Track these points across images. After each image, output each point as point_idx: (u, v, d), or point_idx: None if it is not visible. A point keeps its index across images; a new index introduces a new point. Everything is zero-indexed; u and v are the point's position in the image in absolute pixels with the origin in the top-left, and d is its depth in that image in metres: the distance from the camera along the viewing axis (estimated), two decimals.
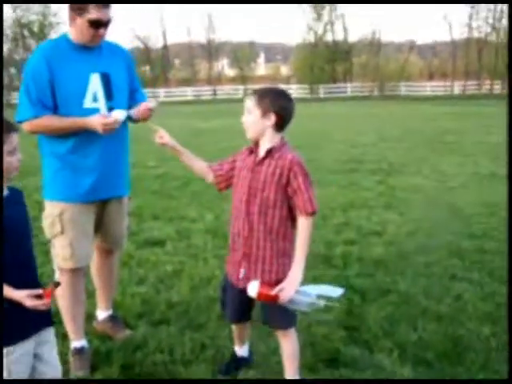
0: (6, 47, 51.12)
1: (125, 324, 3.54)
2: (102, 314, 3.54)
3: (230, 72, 64.99)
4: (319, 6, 50.95)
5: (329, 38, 52.79)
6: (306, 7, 51.61)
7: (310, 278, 4.38)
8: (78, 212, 3.06)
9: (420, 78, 57.30)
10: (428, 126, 17.87)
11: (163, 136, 2.87)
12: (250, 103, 2.66)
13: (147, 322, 3.58)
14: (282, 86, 50.90)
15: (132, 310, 3.74)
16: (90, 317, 3.54)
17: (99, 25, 2.93)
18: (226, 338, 3.32)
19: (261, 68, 76.79)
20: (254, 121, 2.65)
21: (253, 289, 2.57)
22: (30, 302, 2.03)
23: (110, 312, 3.55)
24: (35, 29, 49.14)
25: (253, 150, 2.73)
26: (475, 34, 51.21)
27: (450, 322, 3.57)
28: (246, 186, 2.67)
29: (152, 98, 3.25)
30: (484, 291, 4.08)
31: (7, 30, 49.53)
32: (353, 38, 54.89)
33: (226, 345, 3.26)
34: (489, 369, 3.01)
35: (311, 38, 52.65)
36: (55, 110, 2.97)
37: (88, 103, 3.02)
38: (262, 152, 2.68)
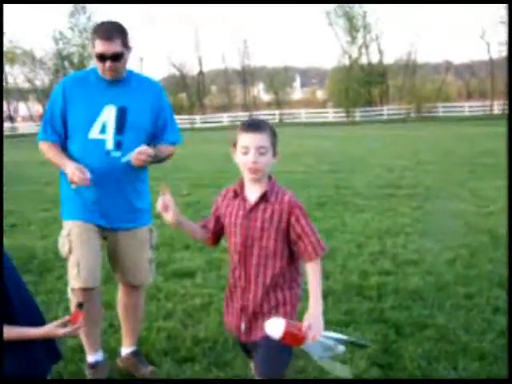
0: (47, 78, 52.64)
1: (148, 361, 3.42)
2: (125, 350, 3.44)
3: (266, 97, 65.36)
4: (353, 28, 51.04)
5: (364, 60, 52.77)
6: (340, 30, 51.78)
7: (342, 310, 4.24)
8: (85, 230, 3.05)
9: (458, 98, 56.65)
10: (466, 147, 17.52)
11: (168, 206, 2.48)
12: (264, 141, 2.35)
13: (172, 358, 3.45)
14: (319, 110, 51.11)
15: (157, 345, 3.62)
16: (114, 353, 3.47)
17: (104, 58, 2.93)
18: (253, 377, 3.17)
19: (297, 92, 77.05)
20: (269, 162, 2.37)
21: (277, 329, 2.27)
22: (62, 331, 2.05)
23: (133, 348, 3.43)
24: (75, 60, 50.52)
25: (237, 192, 2.47)
26: None
27: (493, 361, 3.34)
28: (240, 236, 2.42)
29: (148, 146, 3.06)
30: None
31: (49, 63, 51.04)
32: (388, 59, 54.68)
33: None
34: None
35: (346, 61, 52.73)
36: (66, 138, 3.08)
37: (94, 134, 3.01)
38: (252, 195, 2.43)
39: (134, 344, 3.44)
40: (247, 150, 2.33)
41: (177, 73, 56.77)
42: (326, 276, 4.89)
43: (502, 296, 4.42)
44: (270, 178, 2.44)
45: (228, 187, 2.56)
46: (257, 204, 2.40)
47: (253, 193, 2.42)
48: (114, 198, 3.09)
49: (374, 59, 52.96)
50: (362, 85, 50.85)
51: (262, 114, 51.73)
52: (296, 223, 2.36)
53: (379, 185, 10.36)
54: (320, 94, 71.85)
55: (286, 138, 26.86)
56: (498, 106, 48.36)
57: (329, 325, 3.79)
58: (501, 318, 3.97)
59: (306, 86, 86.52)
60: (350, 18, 50.86)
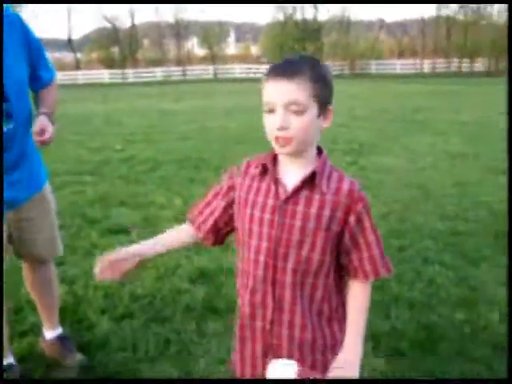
0: None
1: (86, 320, 3.37)
2: (48, 333, 3.04)
3: (200, 52, 64.24)
4: None
5: (298, 16, 52.49)
6: None
7: None
8: None
9: (390, 56, 57.42)
10: (398, 104, 17.83)
11: (110, 261, 1.77)
12: (300, 92, 1.48)
13: (110, 317, 3.40)
14: (254, 66, 50.79)
15: (94, 304, 3.56)
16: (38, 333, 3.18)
17: None
18: (193, 332, 3.19)
19: (231, 47, 76.11)
20: (309, 126, 1.52)
21: (284, 375, 1.54)
22: None
23: (58, 332, 3.05)
24: None
25: (267, 168, 1.62)
26: (444, 12, 51.52)
27: (422, 309, 3.48)
28: (268, 239, 1.59)
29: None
30: (457, 274, 4.01)
31: None
32: (322, 16, 54.68)
33: (192, 339, 3.12)
34: (464, 356, 2.92)
35: (281, 17, 52.33)
36: None
37: None
38: (291, 177, 1.59)
39: (57, 325, 3.08)
40: (272, 106, 1.51)
41: (108, 25, 54.83)
42: None
43: (431, 247, 4.59)
44: (319, 151, 1.64)
45: (250, 159, 1.72)
46: (297, 191, 1.57)
47: (291, 173, 1.60)
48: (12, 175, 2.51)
49: (309, 16, 52.77)
50: (296, 41, 50.64)
51: (196, 69, 51.03)
52: (356, 226, 1.59)
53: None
54: (254, 50, 71.24)
55: (221, 93, 26.66)
56: (428, 65, 49.43)
57: None
58: (429, 268, 4.13)
59: (240, 41, 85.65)
60: None
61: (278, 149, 1.55)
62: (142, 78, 46.85)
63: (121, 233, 5.06)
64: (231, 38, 79.27)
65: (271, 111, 1.51)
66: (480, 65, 48.40)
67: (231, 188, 1.72)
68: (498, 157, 8.56)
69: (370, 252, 1.62)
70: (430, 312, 3.44)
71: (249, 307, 1.67)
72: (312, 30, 51.63)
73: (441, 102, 18.60)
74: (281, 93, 1.49)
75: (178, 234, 1.87)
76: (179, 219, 5.41)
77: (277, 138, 1.52)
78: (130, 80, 46.25)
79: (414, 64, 49.96)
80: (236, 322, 1.75)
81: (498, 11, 49.12)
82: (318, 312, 1.65)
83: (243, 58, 61.31)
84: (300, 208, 1.56)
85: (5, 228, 2.57)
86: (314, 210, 1.56)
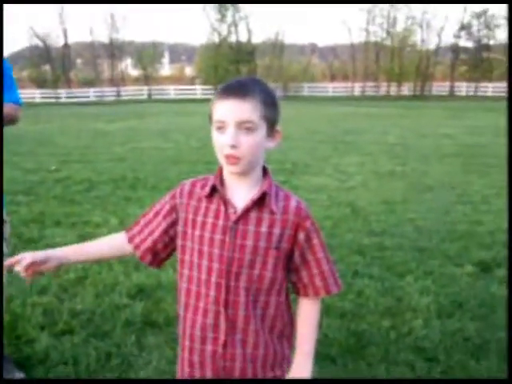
0: None
1: (25, 336, 3.39)
2: None
3: (134, 72, 63.93)
4: (223, 6, 51.22)
5: (233, 39, 53.18)
6: (210, 8, 51.80)
7: None
8: None
9: (322, 79, 58.98)
10: (330, 125, 18.38)
11: (25, 259, 1.66)
12: (252, 111, 1.50)
13: (49, 333, 3.43)
14: (188, 87, 50.92)
15: (33, 320, 3.58)
16: None
17: None
18: (133, 345, 3.27)
19: (165, 68, 76.10)
20: (259, 145, 1.54)
21: None
22: None
23: None
24: None
25: (216, 189, 1.61)
26: (372, 38, 53.52)
27: (352, 318, 3.69)
28: (219, 260, 1.58)
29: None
30: (384, 286, 4.25)
31: None
32: (257, 39, 55.57)
33: (133, 352, 3.21)
34: (389, 360, 3.13)
35: (215, 39, 52.85)
36: None
37: None
38: (240, 197, 1.60)
39: None
40: (223, 125, 1.51)
41: (40, 44, 53.77)
42: None
43: (360, 261, 4.83)
44: (265, 171, 1.64)
45: (195, 178, 1.72)
46: (247, 211, 1.57)
47: (239, 193, 1.60)
48: None
49: (243, 38, 53.55)
50: (230, 63, 51.26)
51: (131, 90, 50.71)
52: (305, 243, 1.61)
53: None
54: (189, 71, 71.52)
55: (156, 114, 26.64)
56: (359, 88, 51.10)
57: None
58: (358, 281, 4.36)
59: (174, 62, 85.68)
60: None
61: (227, 167, 1.56)
62: (75, 98, 46.18)
63: None
64: (165, 59, 79.25)
65: (221, 129, 1.52)
66: (406, 88, 50.43)
67: (173, 209, 1.68)
68: (421, 175, 9.04)
69: (319, 268, 1.63)
70: (359, 320, 3.65)
71: (200, 330, 1.63)
72: (246, 52, 52.43)
73: (370, 123, 19.29)
74: (233, 111, 1.49)
75: (111, 243, 1.81)
76: None
77: (227, 156, 1.52)
78: (63, 100, 45.47)
79: (345, 87, 51.52)
80: (181, 344, 1.70)
81: (421, 39, 51.50)
82: (269, 329, 1.65)
83: (177, 79, 61.51)
84: (251, 227, 1.56)
85: None
86: (264, 229, 1.56)
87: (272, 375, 1.67)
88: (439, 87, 50.88)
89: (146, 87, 50.96)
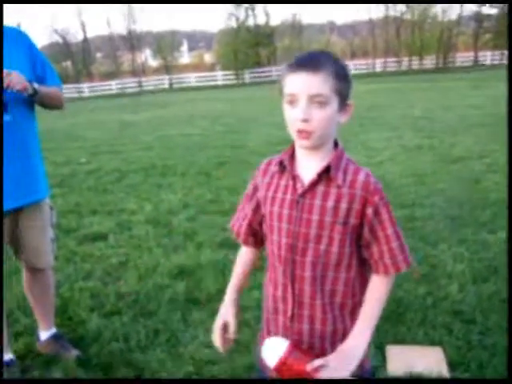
0: None
1: (76, 318, 3.55)
2: (43, 334, 3.20)
3: (154, 63, 64.13)
4: None
5: (250, 22, 52.96)
6: None
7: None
8: None
9: (343, 56, 58.38)
10: (355, 102, 18.27)
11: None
12: (323, 85, 1.48)
13: (99, 314, 3.59)
14: (209, 74, 50.96)
15: (82, 303, 3.74)
16: (32, 334, 3.32)
17: None
18: (179, 322, 3.41)
19: (185, 57, 76.20)
20: (331, 119, 1.52)
21: (273, 354, 1.58)
22: None
23: (52, 331, 3.21)
24: None
25: (285, 165, 1.63)
26: (391, 13, 52.80)
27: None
28: (287, 234, 1.60)
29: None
30: (418, 255, 4.32)
31: None
32: (274, 21, 55.30)
33: (179, 328, 3.35)
34: (427, 324, 3.22)
35: (233, 24, 52.71)
36: None
37: None
38: (308, 172, 1.59)
39: (51, 326, 3.23)
40: (294, 98, 1.50)
41: (60, 40, 54.26)
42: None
43: None
44: (336, 145, 1.63)
45: (271, 157, 1.74)
46: (314, 185, 1.57)
47: (308, 168, 1.59)
48: (10, 171, 2.66)
49: (261, 21, 53.30)
50: (249, 46, 51.10)
51: (152, 80, 50.95)
52: (374, 218, 1.57)
53: (273, 142, 10.72)
54: (208, 58, 71.52)
55: (179, 102, 26.80)
56: (380, 64, 50.57)
57: None
58: None
59: (193, 49, 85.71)
60: None
61: (298, 142, 1.56)
62: (98, 91, 46.60)
63: (98, 239, 5.23)
64: (184, 47, 79.30)
65: (293, 103, 1.50)
66: (429, 62, 49.71)
67: (256, 188, 1.74)
68: (449, 147, 9.02)
69: (389, 245, 1.59)
70: (396, 288, 3.71)
71: (272, 302, 1.71)
72: (265, 35, 52.20)
73: (394, 98, 19.17)
74: (305, 85, 1.47)
75: (244, 259, 1.88)
76: (151, 222, 5.66)
77: (299, 131, 1.51)
78: (86, 94, 45.93)
79: (366, 64, 50.97)
80: (262, 316, 1.80)
81: (442, 10, 50.56)
82: (340, 306, 1.64)
83: (197, 67, 61.55)
84: (317, 202, 1.56)
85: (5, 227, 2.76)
86: (330, 204, 1.54)
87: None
88: (463, 58, 50.05)
89: (166, 76, 51.11)
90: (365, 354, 1.61)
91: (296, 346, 1.59)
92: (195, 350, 3.08)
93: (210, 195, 6.72)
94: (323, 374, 1.50)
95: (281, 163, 1.63)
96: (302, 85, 1.48)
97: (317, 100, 1.47)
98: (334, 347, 1.61)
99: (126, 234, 5.37)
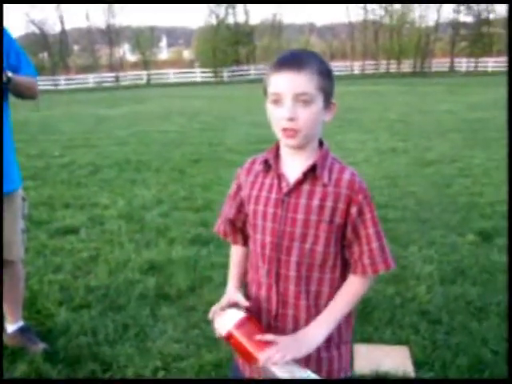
0: None
1: (45, 311, 3.52)
2: (10, 327, 3.16)
3: (132, 58, 63.71)
4: None
5: (230, 20, 52.91)
6: None
7: (223, 254, 4.51)
8: None
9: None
10: None
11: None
12: (308, 83, 1.48)
13: (68, 307, 3.57)
14: (187, 70, 50.77)
15: (51, 297, 3.71)
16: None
17: None
18: (148, 317, 3.41)
19: (163, 52, 75.83)
20: (316, 118, 1.53)
21: (224, 323, 1.57)
22: None
23: (20, 324, 3.18)
24: None
25: (270, 164, 1.63)
26: (370, 17, 53.24)
27: None
28: (271, 233, 1.60)
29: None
30: None
31: None
32: (255, 20, 55.35)
33: (148, 323, 3.34)
34: (394, 324, 3.27)
35: (213, 21, 52.60)
36: None
37: None
38: (293, 170, 1.60)
39: (18, 319, 3.19)
40: (279, 97, 1.50)
41: (37, 31, 53.56)
42: (206, 225, 5.19)
43: None
44: (321, 144, 1.63)
45: (255, 156, 1.74)
46: (299, 184, 1.57)
47: (293, 167, 1.60)
48: None
49: (241, 19, 53.30)
50: (229, 44, 51.07)
51: (130, 75, 50.61)
52: (358, 218, 1.56)
53: (251, 141, 10.73)
54: (187, 54, 71.29)
55: (156, 98, 26.67)
56: (358, 67, 50.94)
57: (214, 268, 4.13)
58: None
59: (172, 45, 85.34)
60: None
61: (284, 141, 1.55)
62: (74, 84, 46.12)
63: (69, 233, 5.18)
64: (163, 43, 78.92)
65: (277, 102, 1.50)
66: (406, 66, 50.26)
67: (239, 188, 1.72)
68: (424, 151, 9.14)
69: (369, 245, 1.56)
70: None
71: (255, 301, 1.68)
72: (244, 34, 52.24)
73: (371, 101, 19.33)
74: (290, 84, 1.47)
75: (237, 259, 1.84)
76: (124, 217, 5.63)
77: (284, 130, 1.51)
78: (62, 87, 45.42)
79: (344, 66, 51.30)
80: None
81: (420, 16, 51.19)
82: (325, 307, 1.60)
83: (176, 63, 61.29)
84: (302, 201, 1.55)
85: None
86: (316, 202, 1.54)
87: (326, 355, 1.63)
88: (439, 64, 50.70)
89: (145, 72, 50.81)
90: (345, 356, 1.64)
91: (250, 320, 1.56)
92: (163, 345, 3.08)
93: (183, 192, 6.71)
94: (269, 352, 1.46)
95: (265, 162, 1.63)
96: (286, 84, 1.48)
97: (302, 98, 1.47)
98: (317, 349, 1.57)
99: (98, 228, 5.34)
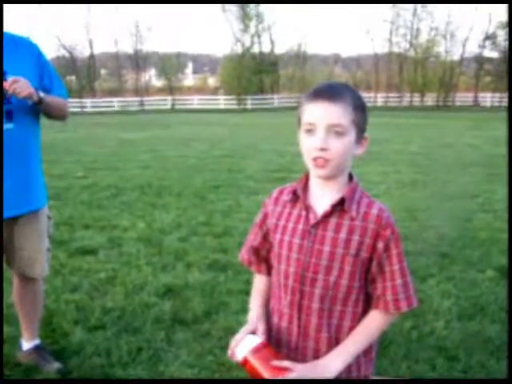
0: None
1: (60, 330, 3.54)
2: (26, 344, 3.17)
3: (158, 83, 64.58)
4: (246, 17, 51.57)
5: (256, 49, 53.48)
6: (233, 19, 52.21)
7: (243, 280, 4.52)
8: None
9: None
10: None
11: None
12: (342, 115, 1.49)
13: (83, 327, 3.58)
14: (211, 97, 51.27)
15: (67, 316, 3.73)
16: (14, 344, 3.28)
17: None
18: (162, 341, 3.40)
19: (189, 79, 76.73)
20: (348, 150, 1.53)
21: (243, 348, 1.57)
22: None
23: (35, 342, 3.18)
24: None
25: (298, 195, 1.63)
26: (395, 49, 53.49)
27: None
28: (296, 264, 1.59)
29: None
30: None
31: None
32: (279, 50, 55.87)
33: (162, 347, 3.34)
34: (410, 358, 3.22)
35: (238, 50, 53.21)
36: None
37: None
38: (321, 202, 1.59)
39: (35, 337, 3.19)
40: (313, 127, 1.51)
41: (67, 54, 54.66)
42: (224, 251, 5.20)
43: None
44: (350, 177, 1.63)
45: (283, 186, 1.75)
46: (327, 216, 1.57)
47: (322, 198, 1.59)
48: (9, 179, 2.68)
49: (266, 49, 53.85)
50: (253, 73, 51.53)
51: (154, 100, 51.25)
52: (384, 253, 1.55)
53: (272, 169, 10.76)
54: (212, 81, 72.04)
55: (180, 124, 26.93)
56: (381, 98, 51.07)
57: (231, 294, 4.12)
58: None
59: (197, 72, 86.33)
60: (243, 6, 51.30)
61: (314, 170, 1.55)
62: (100, 107, 46.80)
63: (88, 254, 5.22)
64: (189, 70, 79.94)
65: (310, 132, 1.51)
66: (430, 99, 50.25)
67: (266, 216, 1.73)
68: (444, 185, 9.08)
69: (393, 282, 1.56)
70: None
71: (276, 332, 1.68)
72: (269, 63, 52.70)
73: (393, 133, 19.32)
74: (324, 114, 1.48)
75: (259, 288, 1.81)
76: (143, 240, 5.66)
77: (315, 159, 1.51)
78: (88, 109, 46.13)
79: (368, 97, 51.43)
80: None
81: (445, 51, 51.32)
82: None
83: (201, 90, 61.98)
84: (329, 233, 1.55)
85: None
86: (343, 236, 1.54)
87: (355, 360, 1.62)
88: (463, 98, 50.60)
89: (169, 97, 51.43)
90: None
91: (267, 346, 1.57)
92: (176, 370, 3.08)
93: (202, 217, 6.73)
94: (285, 377, 1.47)
95: (294, 192, 1.64)
96: (321, 114, 1.49)
97: (335, 130, 1.48)
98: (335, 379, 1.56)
99: (117, 250, 5.37)
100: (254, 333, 1.63)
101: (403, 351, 3.30)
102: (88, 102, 47.81)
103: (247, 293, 4.13)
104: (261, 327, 1.66)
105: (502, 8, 45.02)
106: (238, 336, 1.63)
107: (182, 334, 3.51)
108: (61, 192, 8.32)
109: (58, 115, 2.93)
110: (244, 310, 3.58)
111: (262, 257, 1.77)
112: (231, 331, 3.31)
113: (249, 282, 4.40)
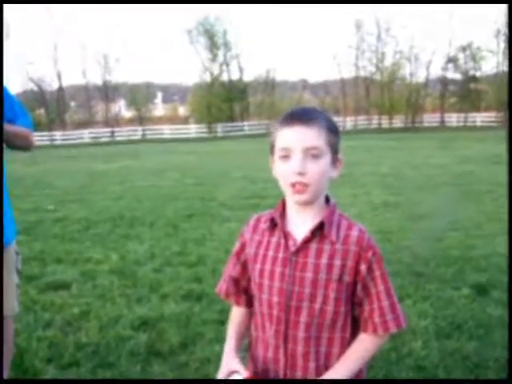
0: None
1: (32, 369, 3.44)
2: None
3: (128, 113, 64.48)
4: (214, 46, 52.04)
5: (225, 77, 53.85)
6: (201, 48, 52.66)
7: (217, 310, 4.47)
8: None
9: None
10: None
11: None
12: (317, 138, 1.49)
13: (56, 365, 3.48)
14: (182, 126, 51.32)
15: (39, 354, 3.63)
16: None
17: None
18: (138, 374, 3.33)
19: (159, 108, 76.79)
20: (325, 172, 1.52)
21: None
22: None
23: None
24: None
25: (276, 222, 1.60)
26: (362, 73, 54.45)
27: None
28: (279, 293, 1.56)
29: None
30: None
31: None
32: (248, 77, 56.31)
33: (139, 380, 3.27)
34: (390, 380, 3.20)
35: (207, 78, 53.51)
36: None
37: None
38: (300, 228, 1.57)
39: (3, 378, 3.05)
40: (288, 153, 1.49)
41: (35, 88, 54.33)
42: (199, 281, 5.15)
43: None
44: (327, 200, 1.61)
45: (260, 213, 1.73)
46: (306, 242, 1.54)
47: (300, 224, 1.57)
48: None
49: (235, 76, 54.27)
50: (223, 101, 51.82)
51: (125, 130, 51.10)
52: (367, 275, 1.53)
53: (244, 196, 10.77)
54: (182, 110, 72.17)
55: (151, 153, 26.86)
56: (350, 122, 51.77)
57: (206, 324, 4.07)
58: None
59: (167, 102, 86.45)
60: (211, 36, 51.80)
61: (292, 197, 1.52)
62: (70, 140, 46.46)
63: (60, 288, 5.12)
64: (158, 99, 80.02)
65: (286, 157, 1.49)
66: (398, 121, 51.12)
67: (244, 245, 1.68)
68: (416, 205, 9.18)
69: (379, 303, 1.54)
70: None
71: (262, 363, 1.62)
72: (238, 90, 53.08)
73: (363, 156, 19.52)
74: (300, 138, 1.47)
75: (237, 320, 1.76)
76: (116, 272, 5.58)
77: (293, 185, 1.49)
78: (58, 142, 45.76)
79: (337, 121, 51.77)
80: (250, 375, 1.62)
81: (410, 73, 52.45)
82: None
83: (171, 119, 62.06)
84: (311, 260, 1.52)
85: None
86: (324, 261, 1.51)
87: None
88: (430, 118, 51.58)
89: (140, 127, 51.37)
90: None
91: (254, 377, 1.56)
92: None
93: (176, 247, 6.67)
94: None
95: (271, 220, 1.61)
96: (297, 137, 1.48)
97: (312, 153, 1.47)
98: None
99: (90, 283, 5.28)
100: (232, 373, 1.59)
101: (383, 373, 3.29)
102: (58, 135, 47.47)
103: (222, 322, 4.11)
104: (237, 368, 1.60)
105: (462, 31, 46.31)
106: (220, 376, 1.60)
107: (158, 367, 3.43)
108: (31, 226, 8.18)
109: (21, 145, 2.85)
110: (219, 339, 3.55)
111: (242, 287, 1.72)
112: (208, 362, 3.28)
113: (223, 312, 4.36)
